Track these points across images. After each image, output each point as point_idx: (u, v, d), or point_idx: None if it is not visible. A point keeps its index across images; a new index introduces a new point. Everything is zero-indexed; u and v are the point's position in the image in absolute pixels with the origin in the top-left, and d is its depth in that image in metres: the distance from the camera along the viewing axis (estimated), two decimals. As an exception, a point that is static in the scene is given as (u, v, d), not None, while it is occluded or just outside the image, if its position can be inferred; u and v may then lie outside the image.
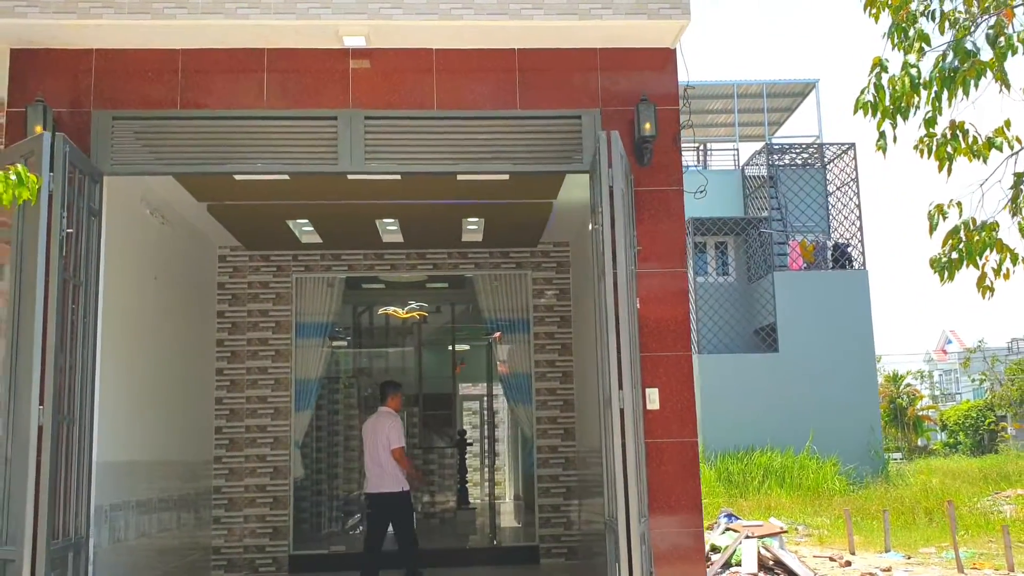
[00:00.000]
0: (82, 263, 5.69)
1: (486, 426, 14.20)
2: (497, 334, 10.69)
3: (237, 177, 7.59)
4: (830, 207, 22.98)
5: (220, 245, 10.22)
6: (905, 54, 6.46)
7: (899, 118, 6.49)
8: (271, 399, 10.20)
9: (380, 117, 6.22)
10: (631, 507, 5.02)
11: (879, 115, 6.45)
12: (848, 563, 10.72)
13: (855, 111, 6.18)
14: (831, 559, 11.35)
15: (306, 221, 9.28)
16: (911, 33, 6.53)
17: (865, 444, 21.06)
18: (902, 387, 43.84)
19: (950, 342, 65.16)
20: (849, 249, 22.13)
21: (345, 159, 6.15)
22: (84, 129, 6.04)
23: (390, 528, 8.49)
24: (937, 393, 61.73)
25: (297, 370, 10.34)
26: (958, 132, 6.52)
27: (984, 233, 6.45)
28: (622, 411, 5.16)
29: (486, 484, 13.92)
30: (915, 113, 6.50)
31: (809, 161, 23.48)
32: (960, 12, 6.66)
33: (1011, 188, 6.71)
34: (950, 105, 6.13)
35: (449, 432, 14.13)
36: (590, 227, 8.81)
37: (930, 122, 6.50)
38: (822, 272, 21.93)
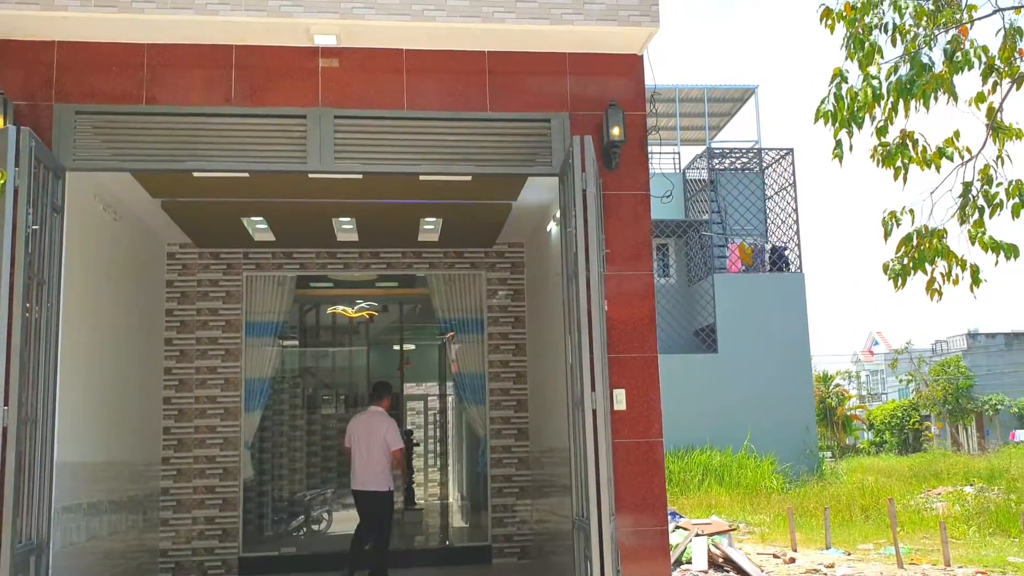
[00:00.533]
0: (45, 261, 5.56)
1: (434, 426, 14.18)
2: (450, 334, 10.70)
3: (196, 174, 7.50)
4: (768, 211, 23.47)
5: (169, 242, 10.04)
6: (861, 66, 6.67)
7: (854, 127, 6.73)
8: (221, 399, 10.06)
9: (350, 116, 6.20)
10: (603, 507, 5.09)
11: (837, 124, 6.66)
12: (792, 560, 10.99)
13: (815, 120, 6.36)
14: (775, 556, 11.63)
15: (261, 219, 9.18)
16: (866, 45, 6.75)
17: (800, 443, 21.58)
18: (831, 387, 44.95)
19: (877, 343, 67.12)
20: (786, 252, 22.63)
21: (314, 158, 6.12)
22: (45, 123, 5.90)
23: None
24: (864, 393, 63.48)
25: (247, 369, 10.21)
26: (907, 141, 6.78)
27: (935, 240, 6.70)
28: (595, 412, 5.24)
29: (433, 485, 13.92)
30: (872, 123, 6.72)
31: (748, 165, 23.96)
32: (912, 27, 6.90)
33: (960, 197, 6.96)
34: (907, 116, 6.36)
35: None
36: (549, 228, 8.92)
37: (882, 131, 6.72)
38: (760, 275, 22.39)
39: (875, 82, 5.92)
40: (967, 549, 11.20)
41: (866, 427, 50.06)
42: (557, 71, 6.37)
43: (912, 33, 6.99)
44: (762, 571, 9.80)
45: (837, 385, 46.81)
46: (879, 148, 6.83)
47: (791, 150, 23.18)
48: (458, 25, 6.01)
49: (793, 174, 22.88)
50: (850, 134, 6.75)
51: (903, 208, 6.81)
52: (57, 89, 6.00)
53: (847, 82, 6.21)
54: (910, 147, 6.73)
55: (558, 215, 8.30)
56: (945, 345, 53.95)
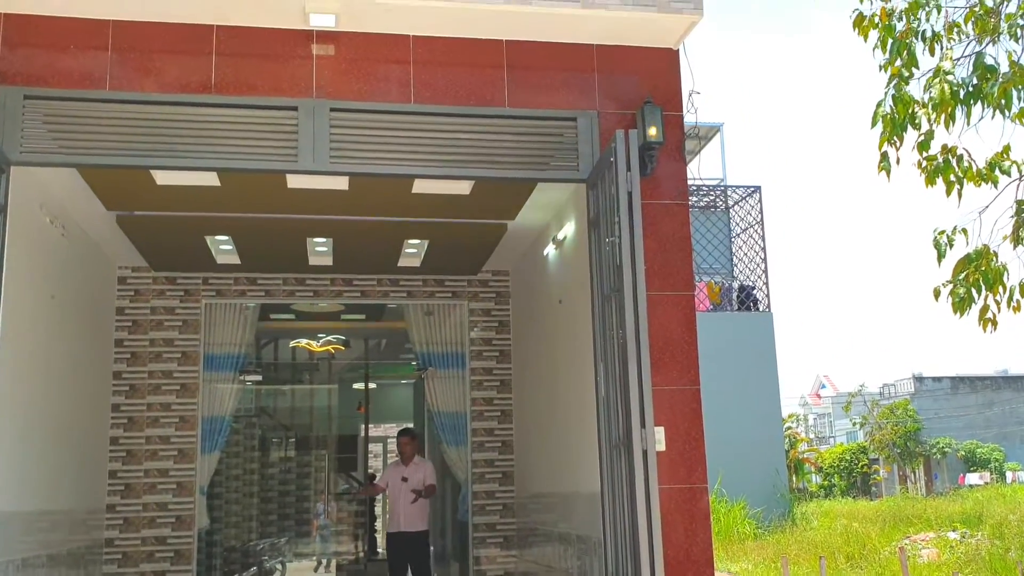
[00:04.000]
0: (-17, 268, 4.64)
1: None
2: (429, 370, 9.84)
3: (159, 182, 6.62)
4: (734, 249, 23.02)
5: (120, 264, 9.07)
6: (899, 73, 6.09)
7: (898, 142, 6.13)
8: (175, 439, 9.03)
9: (348, 110, 5.39)
10: (656, 570, 4.27)
11: (884, 133, 6.05)
12: (795, 615, 10.24)
13: (873, 124, 5.75)
14: (772, 610, 10.86)
15: (227, 238, 8.28)
16: (908, 51, 6.18)
17: (771, 486, 20.95)
18: (784, 430, 44.67)
19: (824, 387, 67.39)
20: (754, 291, 22.18)
21: (306, 156, 5.28)
22: (-12, 108, 4.99)
23: None
24: (812, 436, 63.56)
25: (204, 407, 9.22)
26: (950, 156, 6.20)
27: (990, 262, 6.09)
28: (645, 453, 4.44)
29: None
30: (917, 135, 6.13)
31: (714, 203, 23.55)
32: (955, 37, 6.35)
33: (1013, 216, 6.37)
34: (968, 123, 5.77)
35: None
36: (545, 252, 8.17)
37: (924, 145, 6.14)
38: (728, 313, 21.86)
39: (951, 77, 5.29)
40: (972, 601, 10.57)
41: (814, 470, 49.94)
42: (584, 65, 5.65)
43: (954, 40, 6.44)
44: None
45: (789, 428, 46.60)
46: (924, 162, 6.25)
47: (758, 187, 22.85)
48: (473, 7, 5.25)
49: (760, 212, 22.51)
50: (897, 146, 6.15)
51: (954, 228, 6.23)
52: (3, 69, 5.09)
53: (907, 83, 5.60)
54: (953, 162, 6.17)
55: (559, 236, 7.58)
56: (893, 388, 54.30)
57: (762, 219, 22.40)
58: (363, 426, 13.22)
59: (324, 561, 13.11)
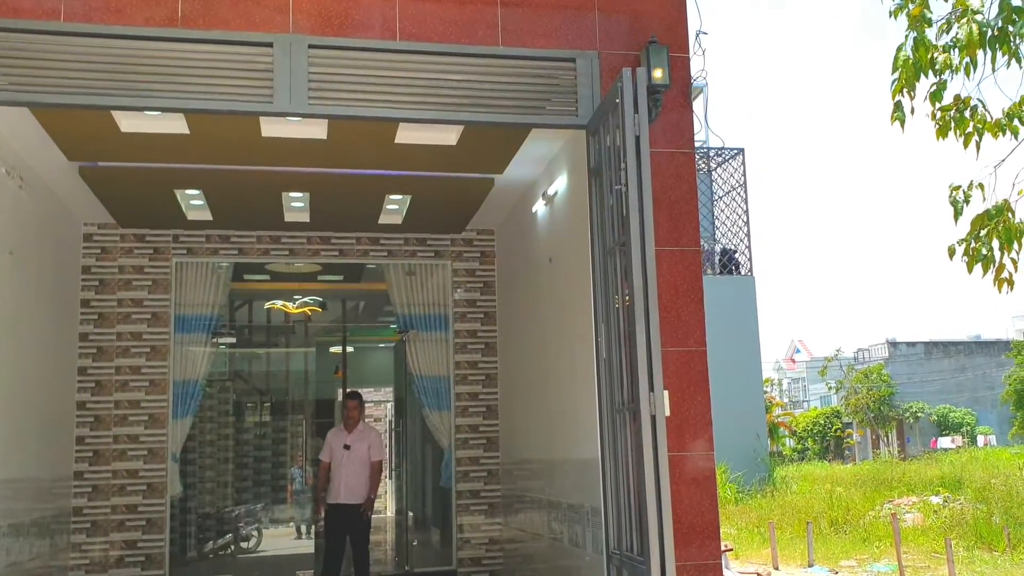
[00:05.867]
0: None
1: (388, 435, 12.92)
2: (410, 332, 9.46)
3: (123, 129, 6.17)
4: (716, 213, 22.72)
5: (86, 221, 8.61)
6: (922, 18, 5.71)
7: (908, 95, 5.78)
8: (145, 404, 8.64)
9: (328, 47, 4.95)
10: (665, 541, 3.96)
11: (898, 82, 5.70)
12: (783, 581, 10.07)
13: (894, 69, 5.39)
14: (758, 575, 10.69)
15: (198, 192, 7.84)
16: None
17: (751, 450, 20.86)
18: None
19: (798, 351, 67.77)
20: (736, 255, 21.93)
21: (282, 97, 4.85)
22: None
23: None
24: (786, 400, 64.00)
25: (176, 370, 8.82)
26: (964, 107, 5.87)
27: (1009, 218, 5.79)
28: (653, 418, 4.11)
29: (386, 501, 12.66)
30: (938, 80, 5.79)
31: (696, 166, 23.21)
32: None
33: (1032, 170, 6.03)
34: (994, 68, 5.42)
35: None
36: (534, 209, 7.79)
37: (936, 95, 5.80)
38: (710, 278, 21.58)
39: (978, 17, 4.93)
40: (960, 566, 10.42)
41: (789, 434, 50.25)
42: (583, 2, 5.24)
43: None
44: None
45: (765, 392, 46.77)
46: (939, 113, 5.91)
47: (741, 150, 22.53)
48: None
49: (744, 174, 22.21)
50: (912, 95, 5.80)
51: (971, 183, 5.90)
52: (-54, -2, 4.62)
53: (930, 26, 5.24)
54: (967, 114, 5.84)
55: (549, 191, 7.20)
56: (867, 353, 54.65)
57: (745, 182, 22.11)
58: (341, 391, 12.83)
59: (304, 527, 12.82)
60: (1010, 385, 39.09)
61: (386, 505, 13.60)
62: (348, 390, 9.27)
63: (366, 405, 9.75)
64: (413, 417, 10.32)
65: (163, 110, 5.11)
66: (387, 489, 14.13)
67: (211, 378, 11.80)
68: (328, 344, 12.91)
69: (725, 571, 8.88)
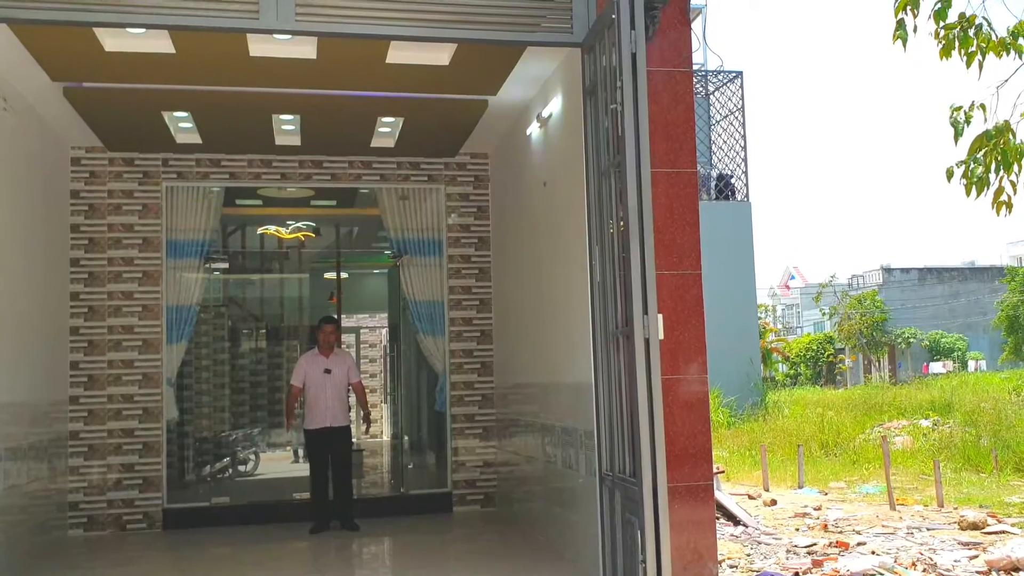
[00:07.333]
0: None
1: (383, 360, 12.95)
2: (404, 257, 9.41)
3: (107, 48, 6.02)
4: (713, 137, 22.50)
5: (74, 144, 8.48)
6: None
7: (911, 12, 5.64)
8: (138, 329, 8.64)
9: (315, -39, 4.80)
10: (658, 462, 3.98)
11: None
12: (774, 502, 10.21)
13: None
14: (749, 497, 10.85)
15: (186, 114, 7.71)
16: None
17: (744, 375, 21.04)
18: (755, 320, 44.99)
19: (793, 278, 67.92)
20: (732, 180, 21.79)
21: (269, 13, 4.71)
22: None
23: None
24: (780, 327, 64.39)
25: (169, 295, 8.79)
26: (966, 26, 5.74)
27: (1010, 138, 5.70)
28: (647, 341, 4.09)
29: (381, 424, 12.76)
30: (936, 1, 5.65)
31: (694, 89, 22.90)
32: None
33: (1033, 91, 5.92)
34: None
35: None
36: (528, 132, 7.67)
37: (941, 14, 5.66)
38: (705, 203, 21.47)
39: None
40: (947, 488, 10.58)
41: (782, 360, 50.66)
42: (577, -88, 5.07)
43: None
44: (750, 516, 8.96)
45: (759, 318, 46.99)
46: (943, 32, 5.78)
47: (740, 73, 22.21)
48: None
49: (742, 99, 21.93)
50: (915, 13, 5.66)
51: (972, 103, 5.80)
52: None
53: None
54: (971, 33, 5.71)
55: (544, 113, 7.09)
56: (861, 280, 54.75)
57: (743, 106, 21.86)
58: (335, 316, 12.83)
59: (300, 451, 12.94)
60: (1002, 311, 39.25)
61: (382, 429, 13.72)
62: (324, 316, 9.20)
63: (362, 331, 9.76)
64: (408, 342, 10.32)
65: (145, 26, 4.97)
66: (383, 413, 14.26)
67: (205, 304, 11.80)
68: (322, 270, 12.86)
69: (716, 492, 9.00)
